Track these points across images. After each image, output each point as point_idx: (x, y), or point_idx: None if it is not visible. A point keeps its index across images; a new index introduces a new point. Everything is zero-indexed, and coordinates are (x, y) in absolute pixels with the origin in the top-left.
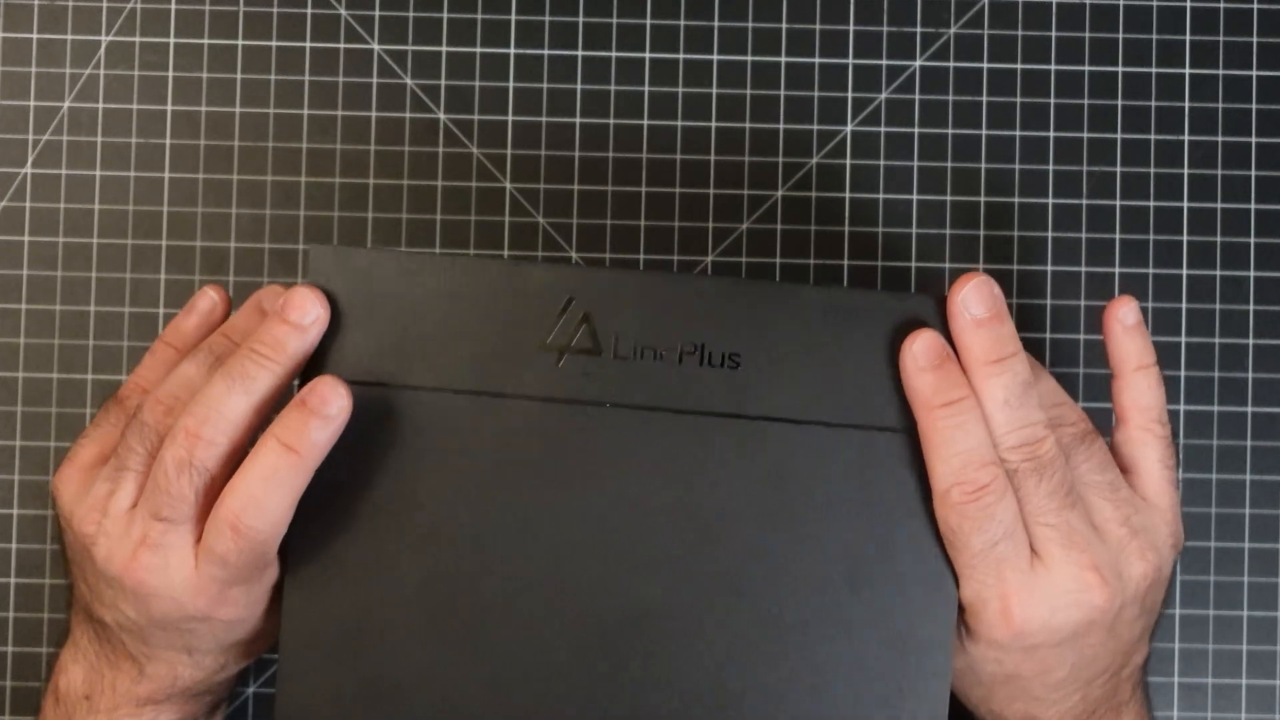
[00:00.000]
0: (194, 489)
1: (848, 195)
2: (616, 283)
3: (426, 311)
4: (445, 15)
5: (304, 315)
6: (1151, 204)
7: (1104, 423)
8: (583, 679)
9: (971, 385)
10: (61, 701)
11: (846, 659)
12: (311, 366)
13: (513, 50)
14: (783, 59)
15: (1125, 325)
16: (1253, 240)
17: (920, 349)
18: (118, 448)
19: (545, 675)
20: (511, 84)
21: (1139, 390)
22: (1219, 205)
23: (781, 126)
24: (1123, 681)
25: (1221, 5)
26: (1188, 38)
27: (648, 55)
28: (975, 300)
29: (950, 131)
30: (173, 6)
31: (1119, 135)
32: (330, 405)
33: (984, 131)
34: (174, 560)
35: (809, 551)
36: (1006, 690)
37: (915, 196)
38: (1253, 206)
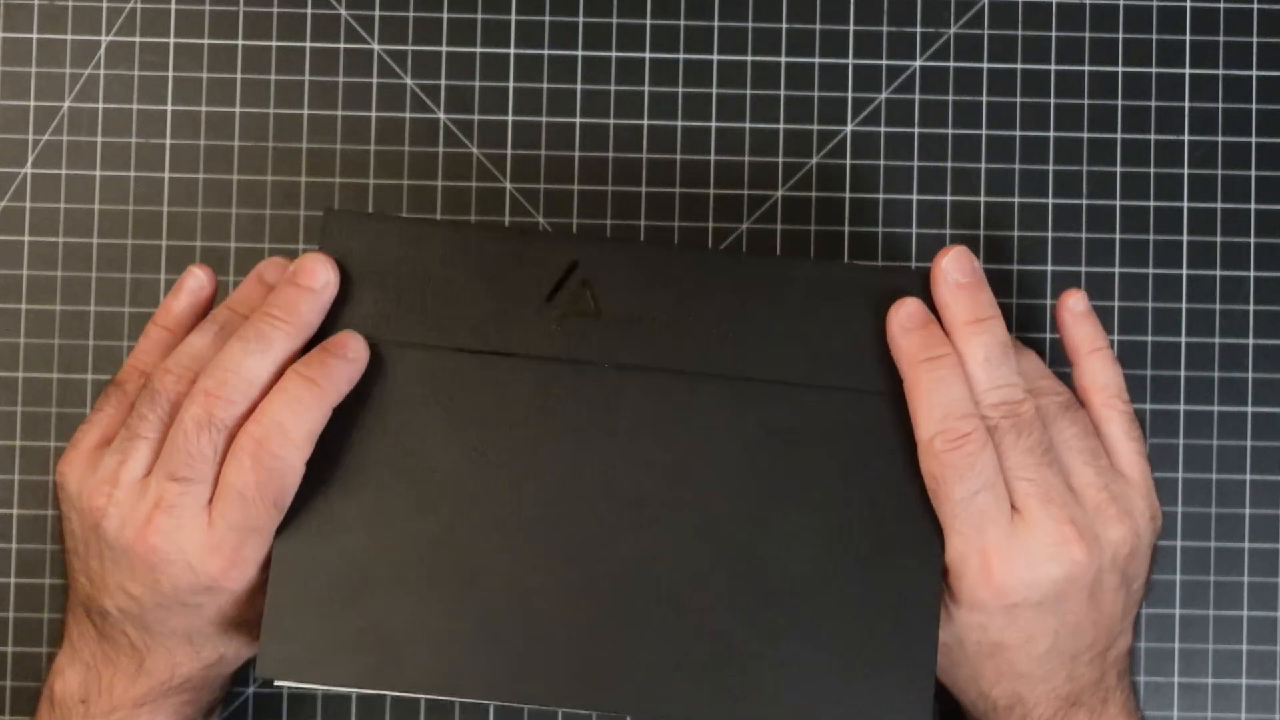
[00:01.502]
0: (213, 446)
1: (848, 195)
2: (617, 252)
3: (435, 273)
4: (445, 15)
5: (315, 279)
6: (1151, 204)
7: None
8: (571, 631)
9: (954, 345)
10: (57, 706)
11: (834, 613)
12: (323, 325)
13: (513, 50)
14: (783, 59)
15: (1075, 313)
16: (1253, 240)
17: (906, 313)
18: (127, 419)
19: (534, 627)
20: (511, 84)
21: (1095, 370)
22: (1219, 205)
23: (781, 126)
24: (1108, 666)
25: (1221, 5)
26: (1188, 38)
27: (648, 55)
28: (956, 267)
29: (950, 131)
30: (173, 6)
31: (1119, 135)
32: (350, 350)
33: (984, 131)
34: (188, 521)
35: (797, 509)
36: (993, 665)
37: (915, 196)
38: (1253, 206)
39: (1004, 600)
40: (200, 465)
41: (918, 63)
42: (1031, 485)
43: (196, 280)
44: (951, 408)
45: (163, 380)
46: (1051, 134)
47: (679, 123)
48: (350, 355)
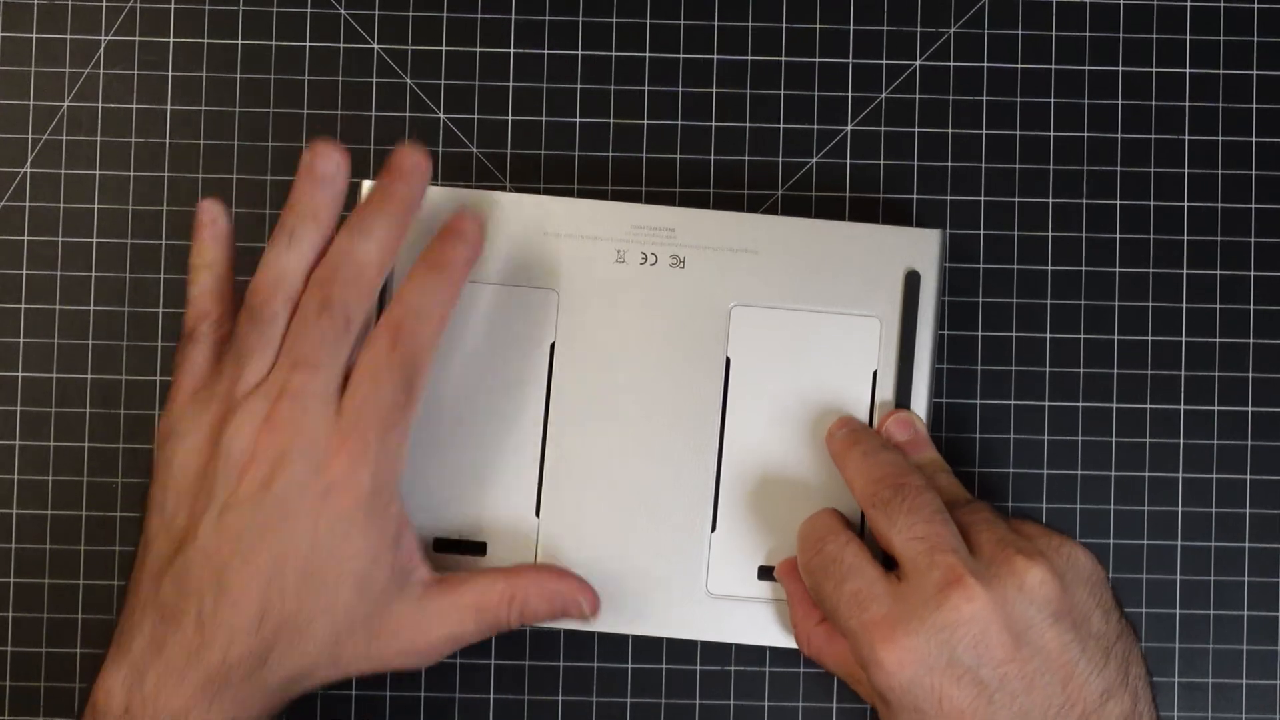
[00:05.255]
0: (335, 330)
1: (848, 195)
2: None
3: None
4: (445, 15)
5: (417, 165)
6: (1152, 204)
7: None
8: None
9: (841, 469)
10: (100, 719)
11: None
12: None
13: (513, 50)
14: (783, 59)
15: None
16: (1253, 240)
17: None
18: (230, 344)
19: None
20: (511, 84)
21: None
22: (1219, 205)
23: (781, 126)
24: None
25: (1221, 5)
26: (1188, 38)
27: (648, 55)
28: (841, 430)
29: (950, 131)
30: (173, 6)
31: (1119, 135)
32: (466, 231)
33: (984, 131)
34: (314, 407)
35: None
36: None
37: (915, 196)
38: (1253, 206)
39: (908, 669)
40: (325, 350)
41: (918, 63)
42: (918, 542)
43: (209, 215)
44: (814, 528)
45: (255, 300)
46: (1051, 134)
47: (679, 122)
48: (468, 237)
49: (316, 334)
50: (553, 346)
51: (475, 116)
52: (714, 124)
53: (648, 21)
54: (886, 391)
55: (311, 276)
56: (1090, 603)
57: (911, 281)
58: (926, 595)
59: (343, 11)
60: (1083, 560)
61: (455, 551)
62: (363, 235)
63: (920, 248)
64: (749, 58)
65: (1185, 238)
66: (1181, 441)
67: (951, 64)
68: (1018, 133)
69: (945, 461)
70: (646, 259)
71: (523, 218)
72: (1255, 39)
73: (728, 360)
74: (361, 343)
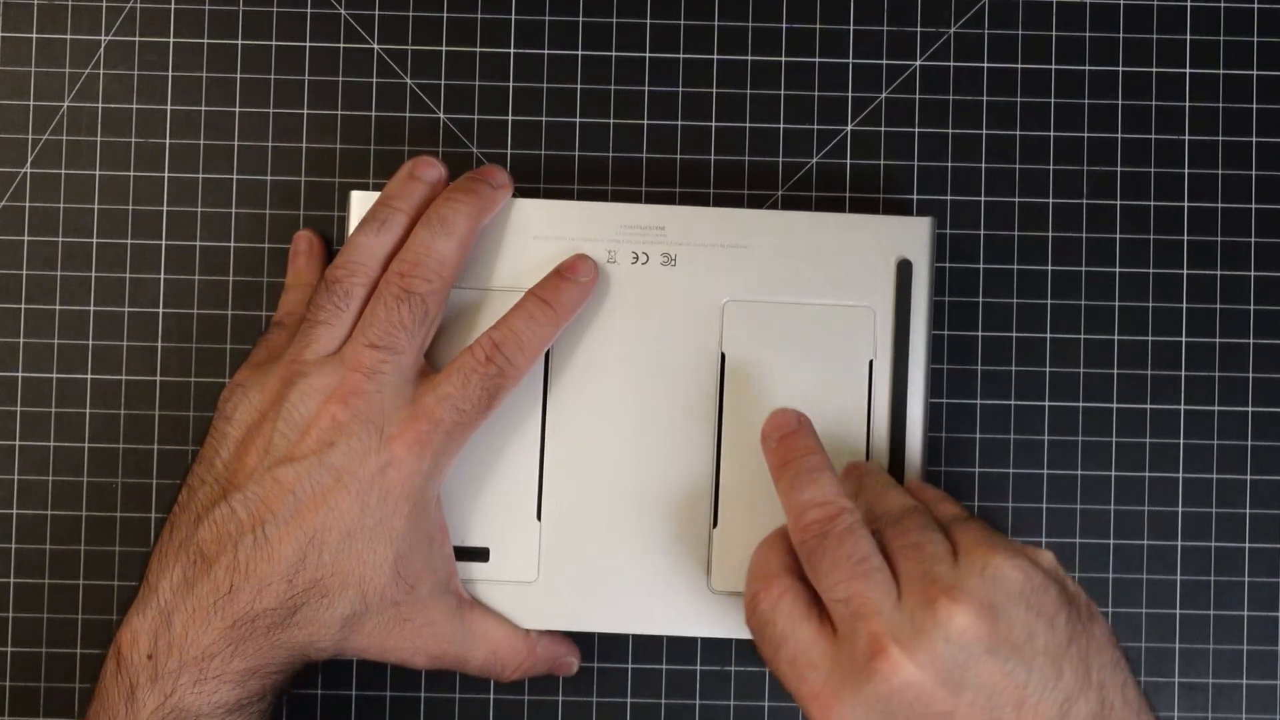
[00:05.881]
0: (414, 319)
1: (848, 195)
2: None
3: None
4: (445, 15)
5: (503, 183)
6: (1152, 204)
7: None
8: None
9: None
10: (123, 664)
11: None
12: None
13: (513, 50)
14: (783, 59)
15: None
16: (1253, 240)
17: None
18: (304, 315)
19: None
20: (511, 84)
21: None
22: (1219, 205)
23: (781, 126)
24: None
25: (1222, 5)
26: (1188, 38)
27: (648, 55)
28: (770, 428)
29: (950, 131)
30: (173, 6)
31: (1119, 135)
32: (581, 274)
33: (984, 131)
34: (390, 387)
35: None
36: None
37: (915, 196)
38: (1253, 206)
39: None
40: (402, 335)
41: (918, 63)
42: (841, 605)
43: (305, 244)
44: (751, 575)
45: (336, 275)
46: (1051, 134)
47: (679, 122)
48: (582, 279)
49: (397, 319)
50: (548, 350)
51: (475, 117)
52: (714, 124)
53: (648, 21)
54: (883, 380)
55: (391, 266)
56: (1029, 617)
57: (904, 270)
58: (857, 665)
59: (343, 11)
60: (1010, 575)
61: (459, 559)
62: (445, 233)
63: (911, 236)
64: (749, 58)
65: (1185, 238)
66: (1181, 441)
67: (951, 64)
68: (1018, 133)
69: (891, 477)
70: (638, 258)
71: (511, 222)
72: (1255, 39)
73: (722, 356)
74: (432, 335)
